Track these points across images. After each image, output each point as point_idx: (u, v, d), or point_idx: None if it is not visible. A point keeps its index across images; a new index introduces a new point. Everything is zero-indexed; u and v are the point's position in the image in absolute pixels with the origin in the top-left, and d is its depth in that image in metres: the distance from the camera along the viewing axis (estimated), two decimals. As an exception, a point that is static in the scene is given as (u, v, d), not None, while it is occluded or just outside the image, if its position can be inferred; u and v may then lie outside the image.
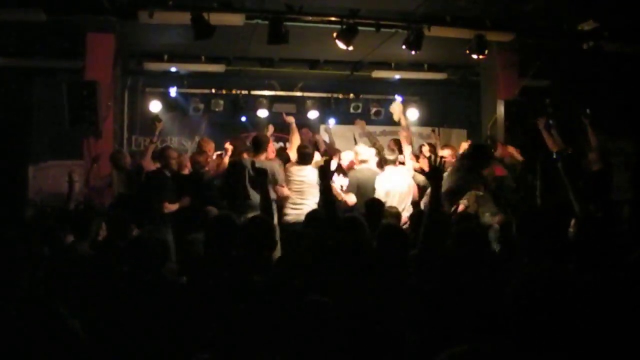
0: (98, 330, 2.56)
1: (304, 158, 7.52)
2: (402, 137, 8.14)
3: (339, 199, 7.06)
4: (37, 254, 4.33)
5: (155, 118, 8.86)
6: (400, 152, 7.96)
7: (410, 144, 8.14)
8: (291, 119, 8.34)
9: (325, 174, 4.65)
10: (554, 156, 7.43)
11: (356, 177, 7.47)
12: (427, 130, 10.64)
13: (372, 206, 5.87)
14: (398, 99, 11.00)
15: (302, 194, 7.38)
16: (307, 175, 7.40)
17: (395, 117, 8.82)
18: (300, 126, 8.58)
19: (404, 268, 3.48)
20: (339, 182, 7.65)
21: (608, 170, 7.62)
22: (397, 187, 7.28)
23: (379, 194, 7.10)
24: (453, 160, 7.45)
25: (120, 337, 2.79)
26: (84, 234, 4.62)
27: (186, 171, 7.75)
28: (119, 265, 3.78)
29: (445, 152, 7.73)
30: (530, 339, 2.17)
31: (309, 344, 2.23)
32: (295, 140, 8.01)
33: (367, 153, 7.73)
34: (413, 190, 7.49)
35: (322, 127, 10.85)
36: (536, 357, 2.14)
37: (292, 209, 7.33)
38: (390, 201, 7.03)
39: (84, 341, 1.95)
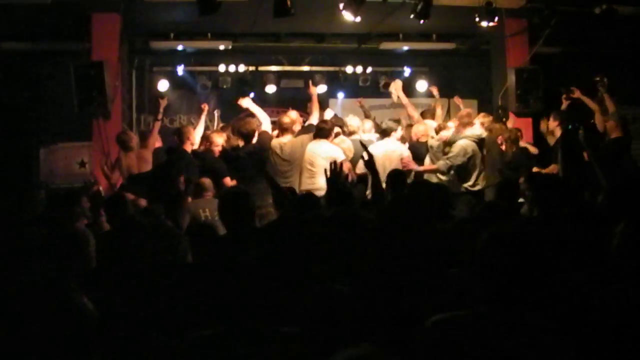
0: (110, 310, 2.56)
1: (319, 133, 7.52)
2: (411, 115, 8.32)
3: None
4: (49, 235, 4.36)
5: (159, 95, 8.83)
6: None
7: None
8: (314, 90, 8.38)
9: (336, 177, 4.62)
10: (569, 126, 7.38)
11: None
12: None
13: (394, 177, 5.86)
14: (406, 71, 10.93)
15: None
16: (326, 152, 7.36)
17: (394, 98, 8.88)
18: (307, 101, 8.56)
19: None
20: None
21: (627, 137, 7.53)
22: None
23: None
24: (425, 137, 7.52)
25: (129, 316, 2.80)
26: (74, 214, 4.70)
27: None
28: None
29: (419, 129, 7.78)
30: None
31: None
32: (315, 109, 8.03)
33: (355, 123, 7.81)
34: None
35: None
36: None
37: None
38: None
39: (96, 321, 1.93)
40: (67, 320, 1.86)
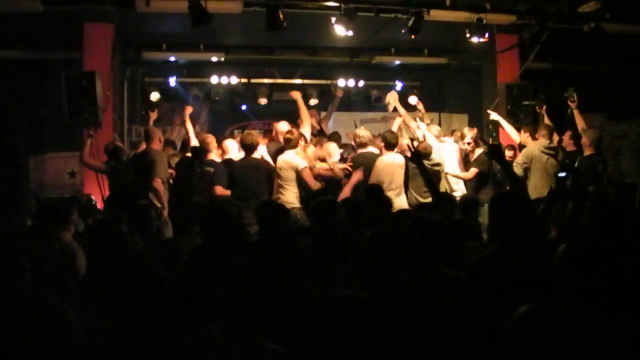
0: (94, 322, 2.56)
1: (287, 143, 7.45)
2: (406, 122, 8.29)
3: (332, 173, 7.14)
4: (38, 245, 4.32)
5: (149, 107, 8.83)
6: None
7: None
8: (297, 95, 8.21)
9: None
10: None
11: (358, 162, 7.44)
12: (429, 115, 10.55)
13: (372, 192, 5.83)
14: (398, 85, 10.96)
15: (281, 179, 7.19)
16: (286, 160, 7.17)
17: (390, 108, 8.85)
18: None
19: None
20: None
21: (600, 155, 7.60)
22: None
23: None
24: None
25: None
26: (66, 224, 4.64)
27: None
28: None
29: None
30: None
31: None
32: (305, 116, 7.89)
33: (366, 136, 7.71)
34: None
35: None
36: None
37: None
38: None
39: (80, 332, 1.92)
40: (54, 335, 1.85)
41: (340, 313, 2.16)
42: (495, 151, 4.91)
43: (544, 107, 8.43)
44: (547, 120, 8.21)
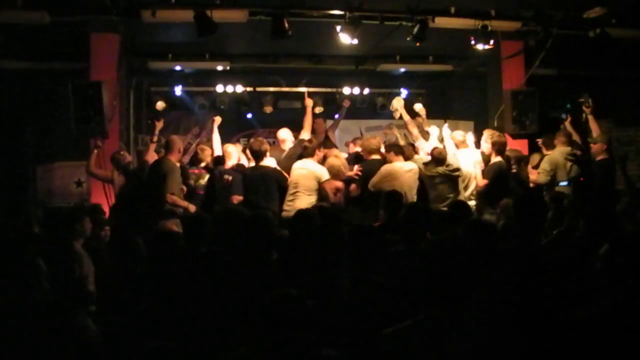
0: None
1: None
2: (411, 131, 8.27)
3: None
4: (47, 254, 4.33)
5: (154, 117, 8.89)
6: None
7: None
8: (310, 102, 8.38)
9: None
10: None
11: (365, 170, 7.47)
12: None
13: (392, 198, 5.79)
14: (403, 93, 10.95)
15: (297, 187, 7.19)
16: (308, 169, 7.21)
17: (396, 115, 8.84)
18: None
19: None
20: None
21: (612, 160, 7.59)
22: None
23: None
24: None
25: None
26: (75, 233, 4.66)
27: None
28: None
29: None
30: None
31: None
32: (308, 124, 7.96)
33: (369, 146, 7.73)
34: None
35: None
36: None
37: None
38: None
39: (99, 344, 1.92)
40: (71, 342, 1.85)
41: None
42: None
43: (569, 119, 8.44)
44: (571, 131, 8.19)
